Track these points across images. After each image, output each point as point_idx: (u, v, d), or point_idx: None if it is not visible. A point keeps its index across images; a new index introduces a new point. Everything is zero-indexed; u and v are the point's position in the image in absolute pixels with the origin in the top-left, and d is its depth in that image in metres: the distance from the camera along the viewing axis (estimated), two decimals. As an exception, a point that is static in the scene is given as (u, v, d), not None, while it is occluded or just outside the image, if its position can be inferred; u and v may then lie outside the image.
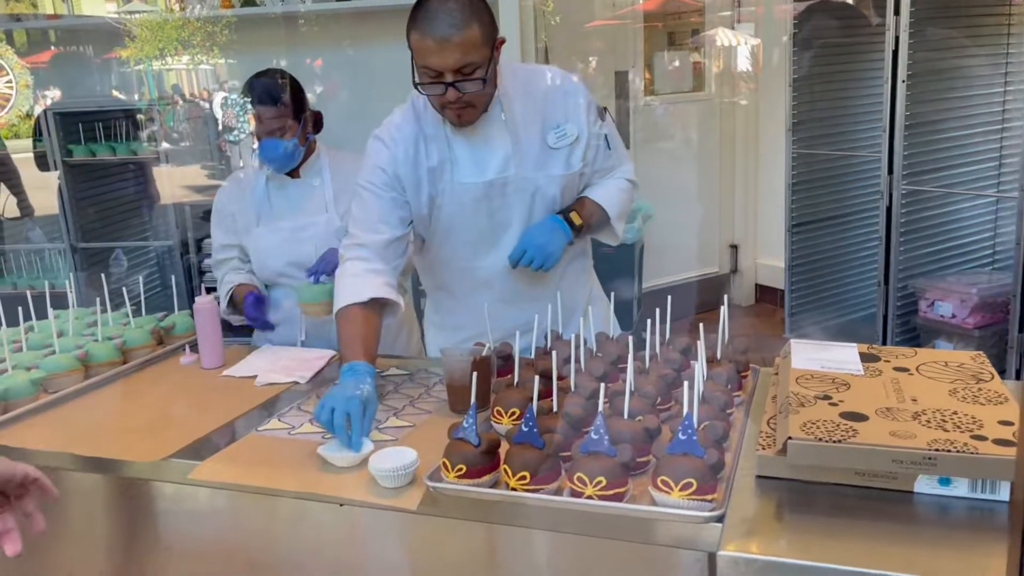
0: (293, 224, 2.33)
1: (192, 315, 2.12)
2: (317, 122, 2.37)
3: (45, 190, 4.56)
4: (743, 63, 5.38)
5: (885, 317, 3.80)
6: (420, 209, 1.94)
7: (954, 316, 3.58)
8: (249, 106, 5.27)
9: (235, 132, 5.78)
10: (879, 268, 3.82)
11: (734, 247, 5.50)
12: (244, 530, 1.57)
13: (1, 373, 1.79)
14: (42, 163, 4.26)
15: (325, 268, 2.17)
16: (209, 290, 2.81)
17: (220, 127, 5.35)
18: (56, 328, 2.03)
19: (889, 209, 3.71)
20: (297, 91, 2.31)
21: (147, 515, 1.63)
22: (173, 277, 2.26)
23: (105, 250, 4.20)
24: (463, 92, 1.74)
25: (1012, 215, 3.66)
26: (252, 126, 5.01)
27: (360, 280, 1.82)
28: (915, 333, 3.73)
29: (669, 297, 1.79)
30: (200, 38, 4.84)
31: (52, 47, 4.88)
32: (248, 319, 2.27)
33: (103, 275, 2.18)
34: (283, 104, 2.26)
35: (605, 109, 2.01)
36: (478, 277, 2.00)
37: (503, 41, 1.82)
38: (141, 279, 2.18)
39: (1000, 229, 3.94)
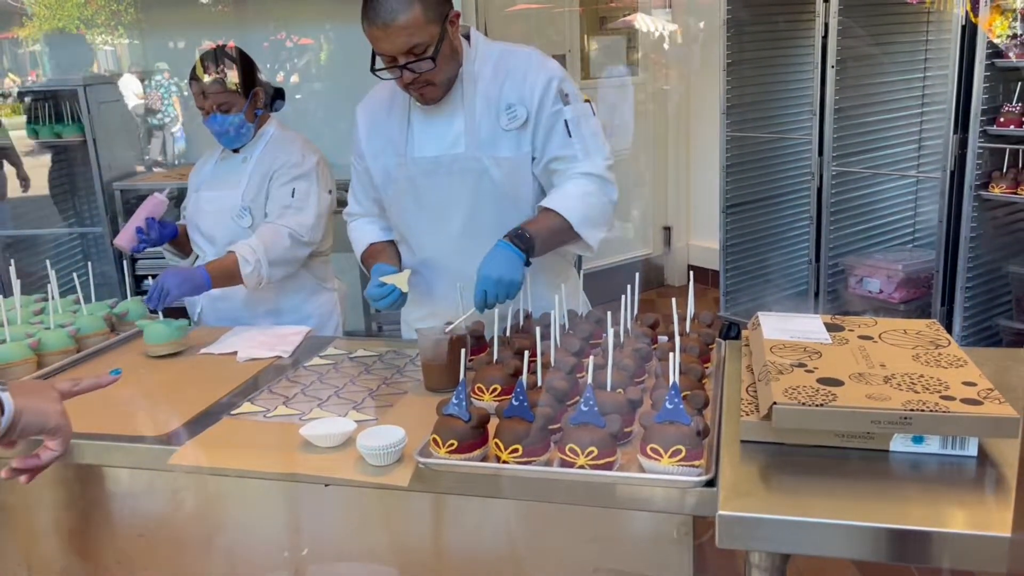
0: (207, 195, 2.36)
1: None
2: (276, 99, 2.37)
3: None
4: (666, 48, 5.49)
5: (816, 294, 3.96)
6: (377, 179, 2.00)
7: (881, 291, 3.76)
8: (174, 88, 5.10)
9: (159, 115, 5.58)
10: (810, 247, 3.98)
11: (667, 229, 5.63)
12: (225, 514, 1.55)
13: (-49, 363, 1.71)
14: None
15: (157, 296, 2.06)
16: (142, 278, 2.72)
17: (144, 110, 5.15)
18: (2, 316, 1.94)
19: (819, 189, 3.87)
20: (246, 67, 2.29)
21: (118, 502, 1.59)
22: (126, 263, 2.18)
23: (27, 237, 4.02)
24: (416, 72, 1.79)
25: (931, 195, 3.86)
26: (177, 110, 4.84)
27: (361, 231, 2.11)
28: (844, 309, 3.90)
29: (636, 275, 1.83)
30: (104, 17, 4.65)
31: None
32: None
33: (48, 262, 2.10)
34: (228, 79, 2.25)
35: (588, 101, 1.92)
36: (424, 255, 2.01)
37: (458, 15, 1.85)
38: (90, 265, 2.10)
39: (920, 208, 4.15)
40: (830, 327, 1.58)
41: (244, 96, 2.27)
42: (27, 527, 1.64)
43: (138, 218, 2.26)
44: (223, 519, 1.58)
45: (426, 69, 1.79)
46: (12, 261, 2.10)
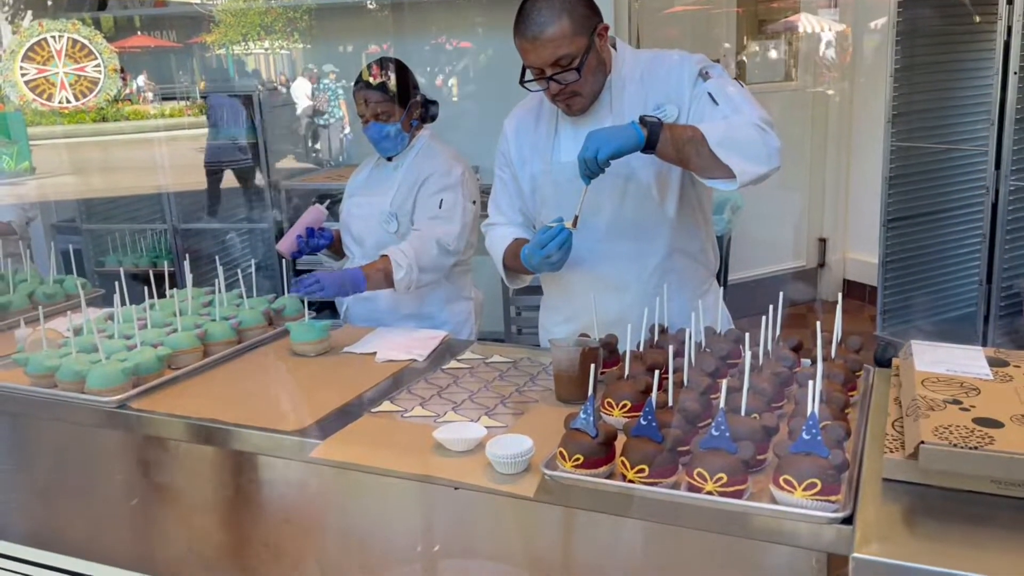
0: (358, 200, 2.48)
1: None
2: (430, 111, 2.45)
3: (131, 170, 4.77)
4: (830, 51, 5.23)
5: (986, 318, 3.67)
6: (525, 186, 2.05)
7: (1063, 319, 3.44)
8: (341, 91, 5.39)
9: (325, 116, 5.92)
10: (981, 267, 3.68)
11: (823, 241, 5.37)
12: (360, 509, 1.62)
13: (131, 349, 1.89)
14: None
15: (309, 285, 2.17)
16: (302, 272, 2.87)
17: (312, 111, 5.46)
18: (175, 307, 2.12)
19: (995, 205, 3.57)
20: (404, 78, 2.40)
21: (268, 489, 1.70)
22: (283, 262, 2.33)
23: (203, 231, 4.36)
24: (562, 84, 1.83)
25: None
26: (343, 111, 5.09)
27: (502, 232, 2.11)
28: (1019, 335, 3.59)
29: (780, 293, 1.76)
30: (281, 24, 4.95)
31: (138, 32, 5.06)
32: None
33: (217, 259, 2.27)
34: (388, 89, 2.36)
35: (718, 61, 1.90)
36: (570, 259, 2.00)
37: (607, 28, 1.88)
38: (253, 262, 2.26)
39: (1114, 228, 3.75)
40: (993, 362, 1.46)
41: (402, 107, 2.38)
42: (189, 506, 1.78)
43: (299, 227, 2.43)
44: (361, 510, 1.66)
45: (571, 80, 1.83)
46: (187, 256, 2.29)
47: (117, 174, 4.95)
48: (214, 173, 4.55)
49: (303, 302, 2.18)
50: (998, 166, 3.53)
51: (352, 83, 2.44)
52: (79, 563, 1.88)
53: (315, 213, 2.46)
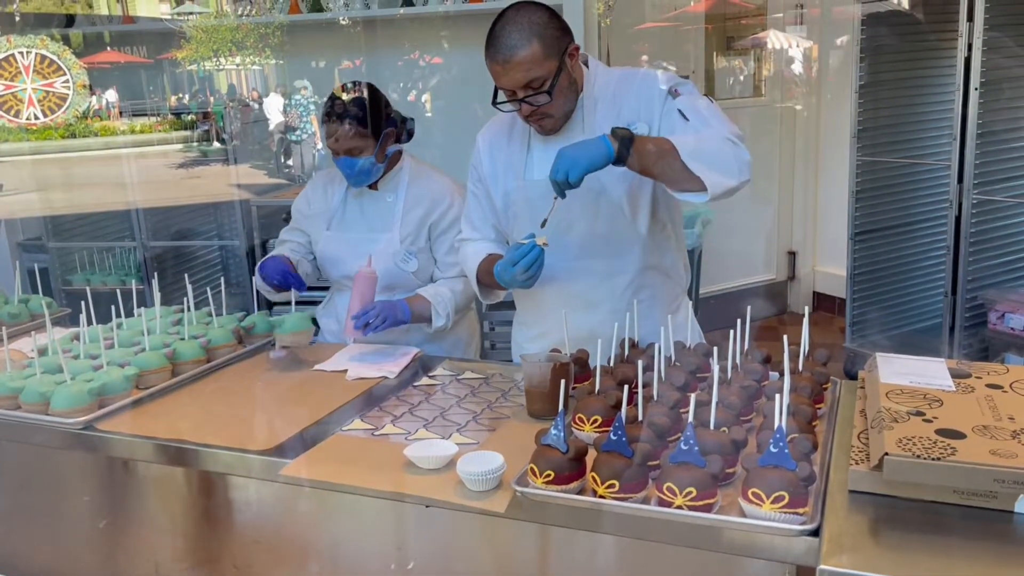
0: (357, 237, 2.34)
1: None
2: (406, 132, 2.34)
3: (99, 187, 4.73)
4: (797, 67, 5.32)
5: (952, 329, 3.73)
6: (498, 202, 2.05)
7: (1025, 329, 3.50)
8: (312, 107, 5.34)
9: (297, 132, 5.90)
10: (946, 279, 3.75)
11: (792, 254, 5.44)
12: (331, 528, 1.61)
13: (97, 369, 1.86)
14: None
15: (372, 318, 2.13)
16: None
17: (284, 127, 5.43)
18: (143, 326, 2.10)
19: (958, 219, 3.64)
20: (378, 107, 2.25)
21: (237, 509, 1.68)
22: (253, 279, 2.31)
23: (173, 249, 4.31)
24: (534, 105, 1.84)
25: (1087, 226, 3.57)
26: (315, 127, 5.04)
27: (475, 248, 2.10)
28: (983, 345, 3.65)
29: (748, 307, 1.78)
30: (253, 40, 4.93)
31: (108, 48, 5.01)
32: (266, 278, 2.25)
33: (186, 276, 2.24)
34: (360, 123, 2.21)
35: (706, 95, 1.89)
36: (543, 276, 1.99)
37: (577, 48, 1.89)
38: (223, 280, 2.24)
39: (1074, 240, 3.84)
40: (955, 373, 1.49)
41: (375, 139, 2.23)
42: (156, 529, 1.76)
43: (364, 300, 2.18)
44: (333, 529, 1.65)
45: (543, 103, 1.84)
46: (155, 275, 2.26)
47: (85, 191, 4.89)
48: None
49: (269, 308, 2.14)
50: (961, 180, 3.60)
51: (324, 99, 2.37)
52: (44, 588, 1.85)
53: (370, 281, 2.19)
